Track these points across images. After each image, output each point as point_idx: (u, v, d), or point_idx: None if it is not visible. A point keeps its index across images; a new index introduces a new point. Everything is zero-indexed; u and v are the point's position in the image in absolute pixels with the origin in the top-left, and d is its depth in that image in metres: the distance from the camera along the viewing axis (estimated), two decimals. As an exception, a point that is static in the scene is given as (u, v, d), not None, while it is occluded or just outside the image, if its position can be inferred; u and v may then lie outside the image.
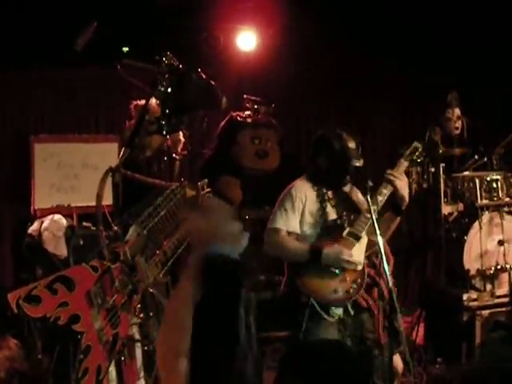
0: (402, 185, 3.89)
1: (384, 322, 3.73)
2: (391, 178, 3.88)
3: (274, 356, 4.72)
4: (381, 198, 3.87)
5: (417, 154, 4.03)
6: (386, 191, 3.89)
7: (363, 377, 1.76)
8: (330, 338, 3.62)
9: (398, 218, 4.00)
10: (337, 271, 3.81)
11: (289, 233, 3.94)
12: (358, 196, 4.07)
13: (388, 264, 3.71)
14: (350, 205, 4.03)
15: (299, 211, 3.94)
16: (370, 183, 3.69)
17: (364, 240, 3.87)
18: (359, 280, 3.80)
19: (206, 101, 3.88)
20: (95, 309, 3.14)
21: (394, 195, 3.93)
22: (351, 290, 3.78)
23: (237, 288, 1.62)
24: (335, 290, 3.77)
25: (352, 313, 3.80)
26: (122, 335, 3.23)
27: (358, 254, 3.86)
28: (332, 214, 3.97)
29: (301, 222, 3.95)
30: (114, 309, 3.21)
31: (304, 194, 3.96)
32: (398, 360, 3.80)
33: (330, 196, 4.00)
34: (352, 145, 3.96)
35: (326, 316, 3.73)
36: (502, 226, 5.45)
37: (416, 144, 4.04)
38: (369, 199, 3.67)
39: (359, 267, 3.83)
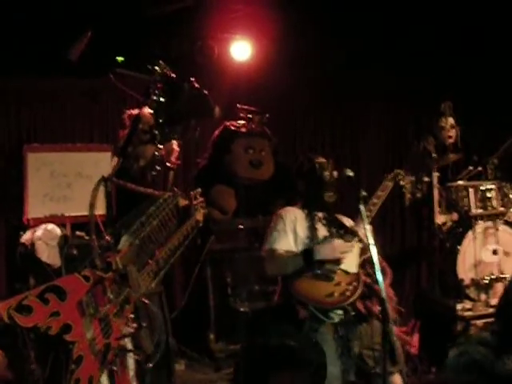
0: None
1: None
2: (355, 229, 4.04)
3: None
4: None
5: (399, 177, 4.56)
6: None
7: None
8: (325, 344, 3.67)
9: None
10: (331, 276, 3.84)
11: (285, 252, 3.98)
12: (349, 222, 4.17)
13: (384, 277, 3.71)
14: (340, 225, 4.12)
15: (291, 230, 4.03)
16: (364, 193, 3.70)
17: (356, 247, 3.95)
18: (354, 283, 3.84)
19: (199, 110, 3.89)
20: (87, 318, 3.12)
21: None
22: (347, 293, 3.80)
23: None
24: (331, 294, 3.79)
25: (352, 315, 3.80)
26: (114, 345, 3.21)
27: (350, 257, 3.92)
28: (323, 231, 4.04)
29: (295, 241, 4.01)
30: (106, 318, 3.20)
31: (293, 214, 4.09)
32: (397, 380, 3.75)
33: (320, 216, 4.10)
34: (321, 160, 4.14)
35: (325, 319, 3.74)
36: (496, 236, 5.46)
37: (398, 170, 4.59)
38: (362, 208, 3.67)
39: (353, 270, 3.88)
